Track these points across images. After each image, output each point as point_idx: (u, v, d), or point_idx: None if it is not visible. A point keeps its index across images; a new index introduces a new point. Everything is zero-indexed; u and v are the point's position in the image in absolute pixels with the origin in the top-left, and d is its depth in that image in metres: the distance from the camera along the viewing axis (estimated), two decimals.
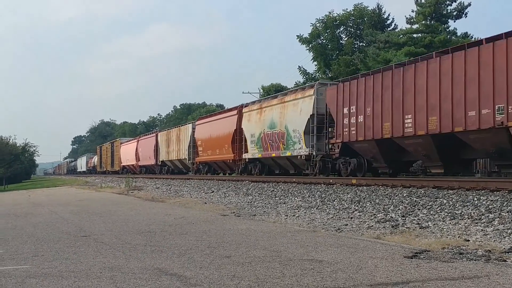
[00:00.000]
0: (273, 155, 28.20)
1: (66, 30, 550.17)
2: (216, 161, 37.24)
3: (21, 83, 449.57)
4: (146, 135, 61.56)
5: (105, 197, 25.59)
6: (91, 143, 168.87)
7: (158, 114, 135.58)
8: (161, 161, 50.61)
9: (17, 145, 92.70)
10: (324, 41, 56.08)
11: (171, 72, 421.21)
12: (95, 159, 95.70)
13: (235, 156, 33.13)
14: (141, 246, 8.60)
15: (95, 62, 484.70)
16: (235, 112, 33.80)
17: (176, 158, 45.90)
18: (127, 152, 64.69)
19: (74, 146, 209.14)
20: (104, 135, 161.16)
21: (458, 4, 46.69)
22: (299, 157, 25.69)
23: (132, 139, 67.17)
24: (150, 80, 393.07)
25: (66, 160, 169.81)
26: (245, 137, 31.94)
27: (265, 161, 30.13)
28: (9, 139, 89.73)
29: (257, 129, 30.06)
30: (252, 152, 30.78)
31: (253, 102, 32.87)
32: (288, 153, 26.57)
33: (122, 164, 66.53)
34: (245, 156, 31.72)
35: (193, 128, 41.81)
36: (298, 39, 56.39)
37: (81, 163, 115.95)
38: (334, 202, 15.50)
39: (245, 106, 32.83)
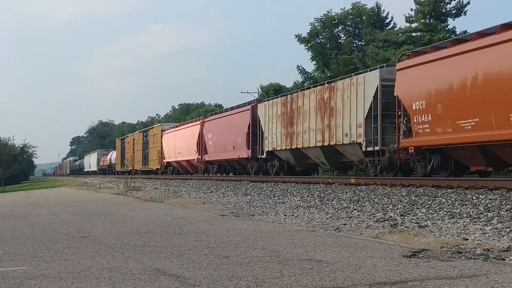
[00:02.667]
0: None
1: (64, 30, 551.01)
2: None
3: (19, 83, 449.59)
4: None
5: (103, 197, 25.58)
6: (89, 144, 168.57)
7: (157, 114, 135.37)
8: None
9: (16, 146, 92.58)
10: (323, 40, 56.04)
11: (169, 72, 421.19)
12: (112, 155, 78.67)
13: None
14: (139, 247, 8.59)
15: (93, 62, 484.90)
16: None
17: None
18: (178, 141, 45.49)
19: (72, 147, 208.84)
20: (102, 135, 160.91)
21: (457, 2, 46.63)
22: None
23: (188, 123, 46.83)
24: (148, 80, 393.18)
25: (69, 159, 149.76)
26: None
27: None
28: (8, 140, 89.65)
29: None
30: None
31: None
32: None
33: (166, 161, 48.75)
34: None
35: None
36: (297, 38, 56.37)
37: (90, 162, 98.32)
38: (333, 202, 15.50)
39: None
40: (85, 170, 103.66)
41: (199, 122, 41.08)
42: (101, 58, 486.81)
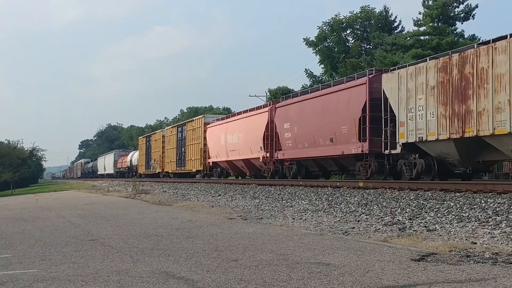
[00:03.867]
0: None
1: (71, 32, 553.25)
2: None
3: (28, 87, 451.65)
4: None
5: (112, 200, 25.64)
6: (98, 147, 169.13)
7: (165, 117, 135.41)
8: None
9: (25, 149, 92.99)
10: (331, 43, 56.08)
11: (177, 75, 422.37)
12: (134, 156, 70.49)
13: None
14: (148, 250, 8.61)
15: (100, 64, 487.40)
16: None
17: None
18: (231, 136, 36.26)
19: (81, 150, 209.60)
20: (111, 139, 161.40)
21: (466, 6, 46.62)
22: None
23: (246, 112, 35.73)
24: (156, 83, 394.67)
25: (80, 161, 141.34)
26: None
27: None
28: (17, 144, 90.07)
29: None
30: None
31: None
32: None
33: (212, 161, 39.49)
34: None
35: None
36: (305, 42, 56.47)
37: (105, 164, 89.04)
38: (341, 205, 15.48)
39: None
40: (99, 173, 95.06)
41: (266, 108, 31.63)
42: (106, 60, 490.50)
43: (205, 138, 40.68)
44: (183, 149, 46.18)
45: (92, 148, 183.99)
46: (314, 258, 7.49)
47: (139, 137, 71.79)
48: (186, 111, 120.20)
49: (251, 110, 34.68)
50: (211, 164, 39.90)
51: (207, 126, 40.25)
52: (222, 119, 39.98)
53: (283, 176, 29.44)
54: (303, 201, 17.57)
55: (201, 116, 43.79)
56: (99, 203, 23.68)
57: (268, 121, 30.65)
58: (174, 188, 31.65)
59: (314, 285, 5.79)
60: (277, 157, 29.77)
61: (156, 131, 59.85)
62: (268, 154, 30.53)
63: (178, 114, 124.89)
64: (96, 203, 24.22)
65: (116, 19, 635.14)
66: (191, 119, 47.56)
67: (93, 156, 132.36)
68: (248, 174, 35.62)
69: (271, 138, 30.37)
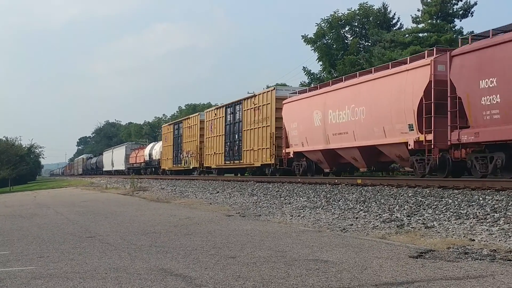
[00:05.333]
0: None
1: (70, 30, 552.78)
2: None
3: (26, 84, 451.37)
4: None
5: (110, 198, 25.64)
6: (96, 144, 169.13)
7: (163, 114, 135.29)
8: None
9: (23, 146, 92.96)
10: (329, 41, 56.03)
11: (174, 72, 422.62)
12: (154, 148, 58.40)
13: None
14: (146, 247, 8.61)
15: (99, 62, 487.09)
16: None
17: None
18: (334, 111, 23.45)
19: (79, 147, 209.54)
20: (109, 135, 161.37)
21: (464, 3, 46.56)
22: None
23: (362, 74, 22.81)
24: (153, 80, 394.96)
25: (81, 156, 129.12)
26: None
27: None
28: (15, 140, 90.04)
29: None
30: None
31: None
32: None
33: (294, 150, 26.77)
34: None
35: None
36: (303, 39, 56.38)
37: (114, 159, 77.93)
38: (339, 202, 15.49)
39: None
40: (104, 169, 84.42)
41: (422, 61, 18.26)
42: (105, 57, 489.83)
43: (278, 119, 28.50)
44: (236, 136, 34.13)
45: (90, 145, 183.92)
46: (312, 255, 7.49)
47: (163, 125, 58.74)
48: (185, 108, 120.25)
49: (381, 68, 21.87)
50: (291, 156, 27.03)
51: (284, 102, 27.76)
52: (310, 90, 26.89)
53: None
54: (301, 198, 17.57)
55: (272, 88, 30.48)
56: (97, 200, 23.68)
57: (429, 82, 17.62)
58: (173, 185, 31.64)
59: (312, 282, 5.79)
60: (460, 139, 16.32)
61: (190, 116, 46.31)
62: (430, 137, 17.60)
63: (176, 111, 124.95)
64: (94, 200, 24.21)
65: (116, 17, 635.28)
66: (251, 95, 32.51)
67: (91, 153, 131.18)
68: (363, 168, 23.40)
69: (438, 108, 17.40)
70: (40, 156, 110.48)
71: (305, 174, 26.03)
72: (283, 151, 27.53)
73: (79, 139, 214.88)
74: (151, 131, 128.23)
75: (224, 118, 36.02)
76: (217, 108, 38.55)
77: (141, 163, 63.12)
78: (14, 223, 13.96)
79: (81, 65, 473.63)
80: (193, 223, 12.19)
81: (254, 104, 31.12)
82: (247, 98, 32.66)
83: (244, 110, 32.67)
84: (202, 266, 6.82)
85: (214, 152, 37.68)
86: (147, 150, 61.53)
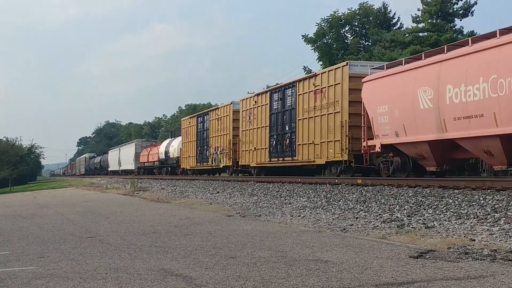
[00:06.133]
0: None
1: (68, 30, 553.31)
2: None
3: (25, 84, 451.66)
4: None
5: (110, 198, 25.63)
6: (96, 144, 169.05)
7: (163, 115, 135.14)
8: None
9: (23, 146, 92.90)
10: (330, 40, 56.05)
11: (175, 72, 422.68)
12: (172, 145, 51.48)
13: None
14: (146, 247, 8.60)
15: (99, 62, 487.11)
16: None
17: None
18: (441, 92, 16.83)
19: (79, 148, 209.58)
20: (109, 136, 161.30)
21: (464, 2, 46.59)
22: None
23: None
24: (154, 80, 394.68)
25: (83, 156, 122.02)
26: None
27: None
28: (15, 141, 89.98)
29: None
30: None
31: None
32: None
33: (379, 142, 19.86)
34: None
35: None
36: (303, 39, 56.42)
37: (121, 158, 71.26)
38: (340, 202, 15.48)
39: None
40: (110, 169, 78.22)
41: None
42: (105, 57, 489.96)
43: (352, 103, 22.10)
44: (287, 127, 27.58)
45: (91, 145, 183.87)
46: (313, 255, 7.48)
47: (183, 119, 49.99)
48: (185, 108, 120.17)
49: None
50: (377, 150, 20.53)
51: (364, 80, 21.20)
52: (409, 60, 19.48)
53: None
54: (301, 198, 17.56)
55: (345, 63, 23.39)
56: (98, 201, 23.67)
57: None
58: (173, 186, 31.63)
59: (312, 282, 5.78)
60: None
61: (219, 106, 39.32)
62: None
63: (176, 111, 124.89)
64: (94, 200, 24.21)
65: (115, 16, 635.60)
66: (310, 75, 27.12)
67: (92, 153, 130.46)
68: (500, 166, 16.00)
69: None
70: (41, 157, 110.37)
71: (393, 173, 20.32)
72: (364, 143, 21.15)
73: (79, 139, 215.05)
74: (151, 131, 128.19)
75: (268, 105, 29.49)
76: (257, 95, 31.49)
77: (154, 161, 56.31)
78: (15, 223, 13.95)
79: (80, 65, 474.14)
80: (193, 223, 12.18)
81: (315, 86, 24.81)
82: (303, 79, 26.60)
83: (299, 95, 26.29)
84: (203, 266, 6.82)
85: (255, 148, 31.18)
86: (162, 147, 54.21)
